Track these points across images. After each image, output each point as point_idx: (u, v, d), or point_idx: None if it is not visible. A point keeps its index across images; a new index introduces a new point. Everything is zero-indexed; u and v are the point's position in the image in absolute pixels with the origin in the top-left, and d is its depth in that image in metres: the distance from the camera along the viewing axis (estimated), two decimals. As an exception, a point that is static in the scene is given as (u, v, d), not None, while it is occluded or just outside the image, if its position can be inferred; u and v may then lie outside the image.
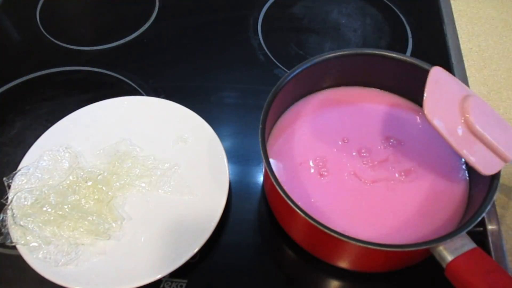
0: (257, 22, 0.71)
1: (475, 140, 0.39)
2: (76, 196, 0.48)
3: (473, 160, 0.39)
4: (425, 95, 0.39)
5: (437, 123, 0.39)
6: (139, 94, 0.61)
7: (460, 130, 0.39)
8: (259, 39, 0.69)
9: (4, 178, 0.49)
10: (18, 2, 0.75)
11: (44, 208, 0.46)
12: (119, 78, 0.64)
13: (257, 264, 0.48)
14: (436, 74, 0.41)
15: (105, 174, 0.50)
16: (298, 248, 0.47)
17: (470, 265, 0.35)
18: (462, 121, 0.39)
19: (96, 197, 0.48)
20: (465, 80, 0.63)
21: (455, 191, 0.45)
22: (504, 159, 0.39)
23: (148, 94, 0.61)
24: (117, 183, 0.50)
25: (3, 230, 0.46)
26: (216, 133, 0.53)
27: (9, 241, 0.45)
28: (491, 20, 0.72)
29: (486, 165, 0.39)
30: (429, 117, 0.39)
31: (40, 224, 0.46)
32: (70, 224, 0.46)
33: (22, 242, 0.45)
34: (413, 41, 0.69)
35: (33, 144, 0.52)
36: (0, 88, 0.63)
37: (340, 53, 0.48)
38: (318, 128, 0.50)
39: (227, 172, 0.49)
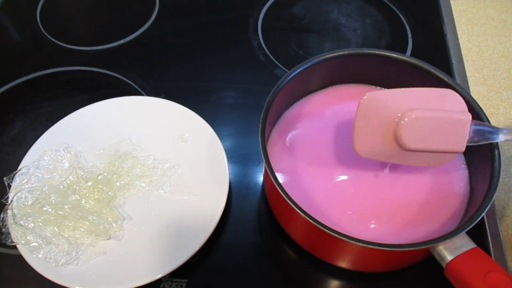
0: (257, 22, 0.71)
1: (416, 153, 0.40)
2: (76, 196, 0.48)
3: (424, 164, 0.41)
4: (353, 131, 0.41)
5: (368, 156, 0.41)
6: (139, 94, 0.61)
7: (397, 152, 0.40)
8: (259, 39, 0.69)
9: (5, 178, 0.49)
10: (18, 2, 0.75)
11: (45, 208, 0.47)
12: (119, 78, 0.64)
13: (257, 264, 0.48)
14: (364, 105, 0.41)
15: (106, 174, 0.50)
16: (298, 248, 0.47)
17: (469, 265, 0.35)
18: (395, 144, 0.40)
19: (96, 197, 0.48)
20: (465, 80, 0.63)
21: (454, 191, 0.45)
22: (455, 152, 0.40)
23: (148, 94, 0.61)
24: (117, 183, 0.50)
25: (3, 230, 0.46)
26: (216, 133, 0.53)
27: (9, 240, 0.45)
28: (490, 20, 0.72)
29: (438, 162, 0.41)
30: (360, 154, 0.41)
31: (41, 224, 0.46)
32: (70, 224, 0.46)
33: (23, 241, 0.45)
34: (413, 41, 0.69)
35: (33, 144, 0.52)
36: (0, 88, 0.63)
37: (340, 53, 0.48)
38: (318, 128, 0.50)
39: (227, 172, 0.49)
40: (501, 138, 0.39)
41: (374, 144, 0.41)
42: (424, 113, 0.39)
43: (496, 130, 0.39)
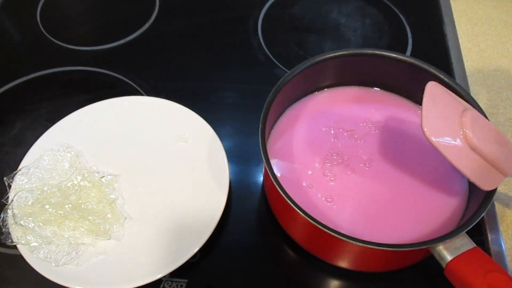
0: (257, 22, 0.71)
1: (474, 156, 0.38)
2: (76, 195, 0.48)
3: (473, 177, 0.38)
4: (422, 112, 0.38)
5: (436, 141, 0.38)
6: (139, 94, 0.61)
7: (459, 147, 0.38)
8: (259, 39, 0.69)
9: (5, 178, 0.49)
10: (19, 2, 0.75)
11: (45, 208, 0.47)
12: (119, 78, 0.64)
13: (257, 264, 0.48)
14: (432, 89, 0.40)
15: (106, 174, 0.50)
16: (298, 248, 0.47)
17: (469, 264, 0.35)
18: (461, 136, 0.38)
19: (97, 197, 0.48)
20: (465, 80, 0.63)
21: (455, 191, 0.45)
22: (503, 173, 0.39)
23: (148, 94, 0.61)
24: (117, 183, 0.50)
25: (3, 229, 0.46)
26: (216, 133, 0.53)
27: (9, 240, 0.45)
28: (490, 20, 0.72)
29: (486, 181, 0.39)
30: (427, 135, 0.37)
31: (41, 224, 0.46)
32: (70, 224, 0.46)
33: (23, 241, 0.45)
34: (413, 41, 0.69)
35: (33, 144, 0.52)
36: (0, 88, 0.63)
37: (340, 53, 0.48)
38: (318, 128, 0.50)
39: (227, 172, 0.49)
40: None
41: (442, 127, 0.39)
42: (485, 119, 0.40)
43: None
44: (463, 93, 0.44)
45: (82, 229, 0.46)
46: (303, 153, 0.48)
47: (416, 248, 0.36)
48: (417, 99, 0.51)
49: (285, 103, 0.51)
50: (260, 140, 0.41)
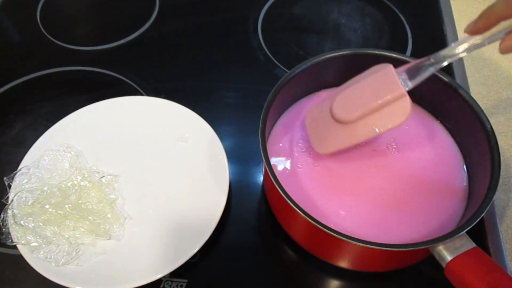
0: (257, 22, 0.71)
1: (364, 123, 0.41)
2: (77, 195, 0.48)
3: (373, 134, 0.42)
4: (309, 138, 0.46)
5: (327, 151, 0.45)
6: (139, 94, 0.61)
7: (347, 133, 0.43)
8: (259, 39, 0.69)
9: (5, 178, 0.49)
10: (19, 2, 0.75)
11: (45, 208, 0.47)
12: (119, 78, 0.64)
13: (257, 264, 0.48)
14: (308, 118, 0.47)
15: (106, 174, 0.50)
16: (298, 248, 0.47)
17: (469, 264, 0.35)
18: (342, 127, 0.43)
19: (97, 196, 0.48)
20: (465, 80, 0.63)
21: (454, 191, 0.45)
22: (396, 97, 0.40)
23: (148, 94, 0.61)
24: (117, 183, 0.50)
25: (3, 230, 0.46)
26: (216, 133, 0.53)
27: (9, 240, 0.45)
28: (491, 20, 0.72)
29: (388, 122, 0.41)
30: (319, 152, 0.45)
31: (41, 224, 0.46)
32: (70, 224, 0.46)
33: (23, 241, 0.45)
34: (413, 41, 0.69)
35: (33, 144, 0.52)
36: (0, 88, 0.63)
37: (340, 53, 0.48)
38: (318, 128, 0.50)
39: (227, 172, 0.49)
40: (435, 67, 0.41)
41: (325, 139, 0.45)
42: (349, 86, 0.43)
43: (426, 59, 0.40)
44: (463, 93, 0.44)
45: (82, 229, 0.46)
46: (303, 152, 0.48)
47: (416, 248, 0.36)
48: (416, 99, 0.51)
49: (285, 103, 0.51)
50: (260, 140, 0.41)
